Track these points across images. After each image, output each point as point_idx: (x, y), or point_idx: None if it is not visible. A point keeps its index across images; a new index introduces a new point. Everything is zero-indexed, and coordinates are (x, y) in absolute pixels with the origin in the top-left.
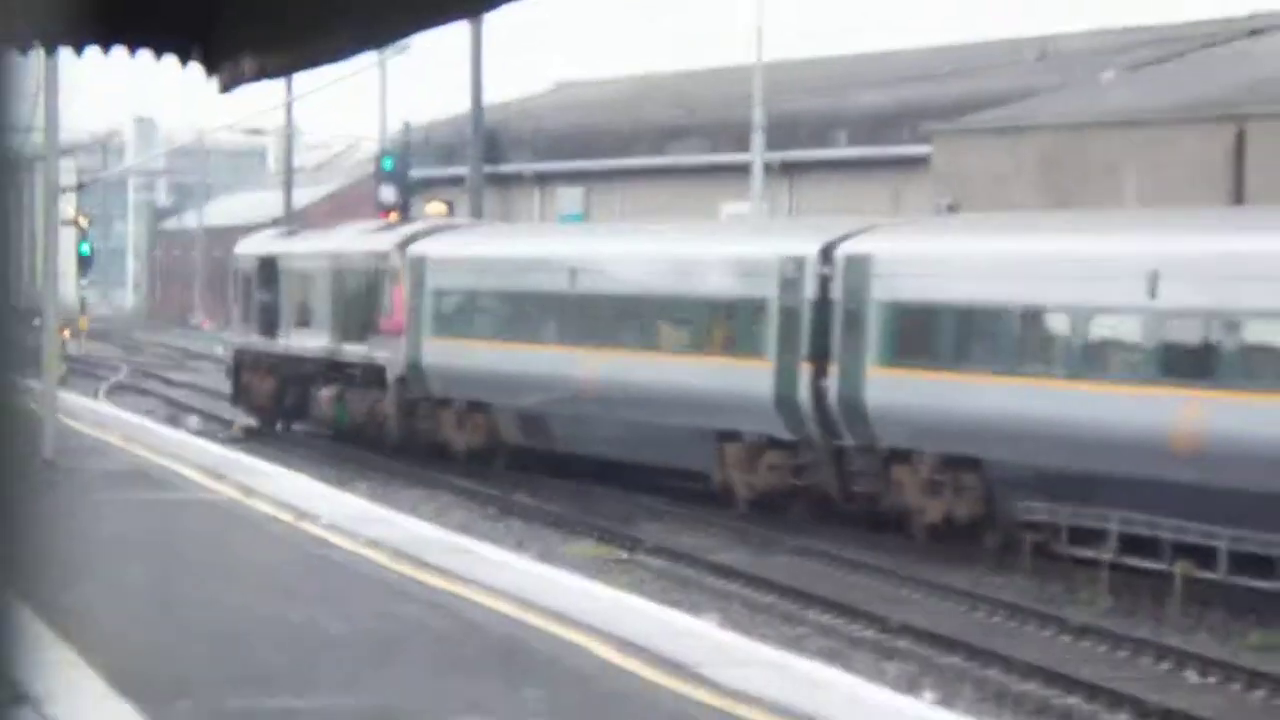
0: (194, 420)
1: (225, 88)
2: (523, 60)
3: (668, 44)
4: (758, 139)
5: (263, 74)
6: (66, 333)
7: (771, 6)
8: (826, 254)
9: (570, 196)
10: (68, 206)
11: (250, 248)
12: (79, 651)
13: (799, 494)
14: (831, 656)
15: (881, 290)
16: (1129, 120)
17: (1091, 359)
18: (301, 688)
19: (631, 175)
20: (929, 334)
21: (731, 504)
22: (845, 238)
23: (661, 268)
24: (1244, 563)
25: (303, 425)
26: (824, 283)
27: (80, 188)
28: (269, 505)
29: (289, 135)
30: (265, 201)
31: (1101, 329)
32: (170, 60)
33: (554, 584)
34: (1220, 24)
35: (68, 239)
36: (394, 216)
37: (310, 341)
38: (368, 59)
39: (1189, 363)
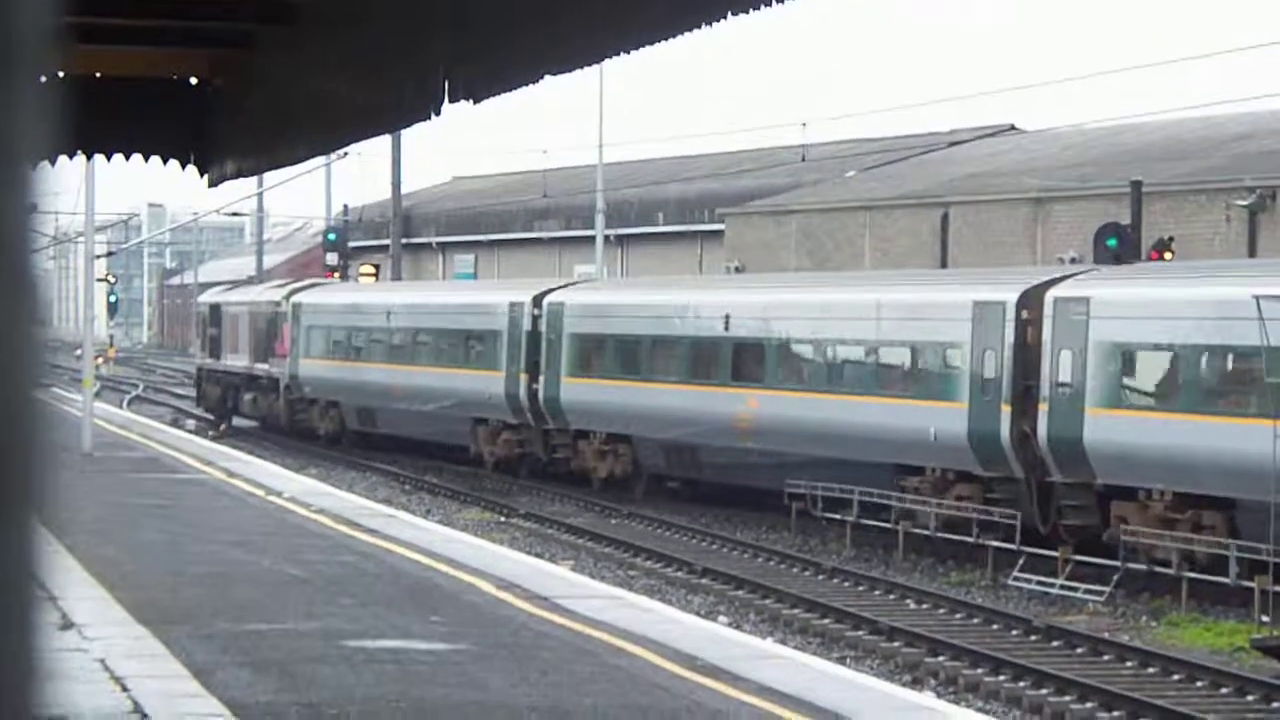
0: (191, 422)
1: (213, 183)
2: (430, 158)
3: (535, 147)
4: (599, 219)
5: (240, 173)
6: (100, 360)
7: (608, 120)
8: (537, 302)
9: (464, 262)
10: (100, 268)
11: (205, 298)
12: (108, 589)
13: (523, 459)
14: (653, 592)
15: (573, 327)
16: (865, 205)
17: (693, 370)
18: (271, 615)
19: (509, 245)
20: (609, 357)
21: (482, 465)
22: (549, 291)
23: (437, 311)
24: (947, 525)
25: (238, 417)
26: (536, 321)
27: (110, 254)
28: (245, 483)
29: (260, 217)
30: (243, 265)
31: (699, 350)
32: (174, 164)
33: (453, 540)
34: (929, 136)
35: (101, 292)
36: (336, 276)
37: (238, 361)
38: (318, 159)
39: (748, 372)
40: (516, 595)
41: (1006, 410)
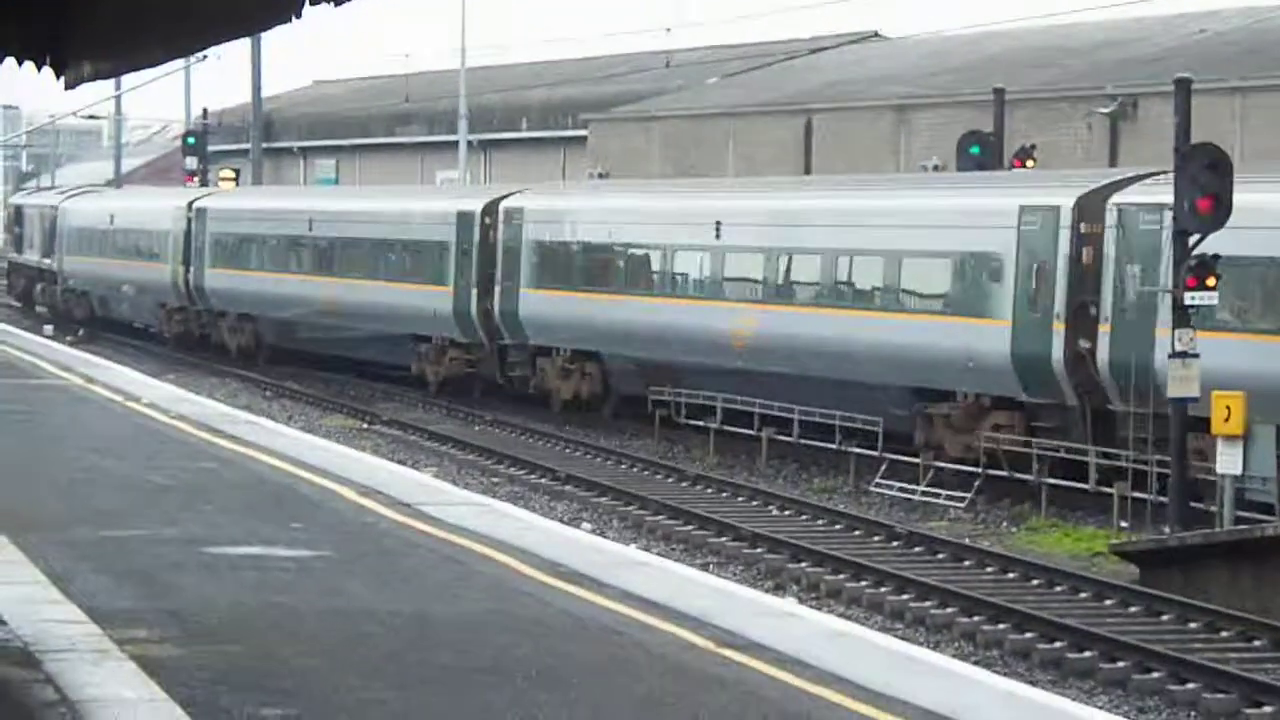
0: (48, 327)
1: (70, 86)
2: (292, 62)
3: (397, 51)
4: (462, 124)
5: (97, 76)
6: None
7: (470, 25)
8: (190, 207)
9: (325, 167)
10: None
11: (13, 200)
12: None
13: (188, 335)
14: (517, 499)
15: (212, 227)
16: (728, 112)
17: (290, 261)
18: (132, 522)
19: (371, 150)
20: (234, 251)
21: (166, 343)
22: (198, 198)
23: (135, 215)
24: (812, 429)
25: (39, 304)
26: (190, 222)
27: None
28: (105, 389)
29: (118, 120)
30: (101, 169)
31: (295, 247)
32: (29, 66)
33: (315, 447)
34: (793, 43)
35: None
36: (195, 180)
37: (33, 256)
38: (177, 62)
39: (326, 265)
40: (379, 502)
41: (474, 294)
